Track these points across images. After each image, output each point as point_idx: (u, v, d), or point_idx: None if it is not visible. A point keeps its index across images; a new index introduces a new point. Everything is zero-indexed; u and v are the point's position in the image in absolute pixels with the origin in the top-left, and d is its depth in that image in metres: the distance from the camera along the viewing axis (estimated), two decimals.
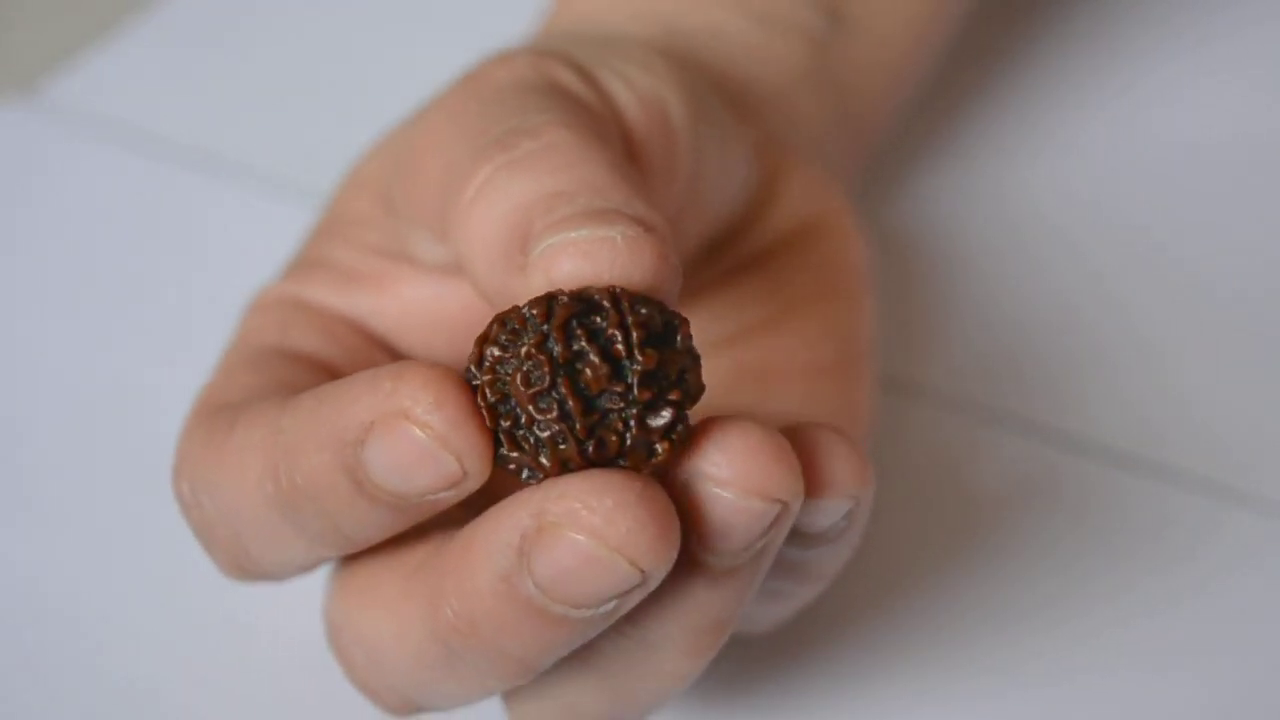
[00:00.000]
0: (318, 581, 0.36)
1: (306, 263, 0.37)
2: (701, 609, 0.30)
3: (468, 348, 0.36)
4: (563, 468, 0.28)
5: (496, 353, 0.29)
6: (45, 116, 0.51)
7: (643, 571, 0.28)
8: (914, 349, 0.44)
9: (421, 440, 0.28)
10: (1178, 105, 0.50)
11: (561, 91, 0.33)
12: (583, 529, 0.27)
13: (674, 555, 0.28)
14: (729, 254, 0.38)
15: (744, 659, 0.38)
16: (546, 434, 0.28)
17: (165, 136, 0.51)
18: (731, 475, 0.28)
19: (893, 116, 0.46)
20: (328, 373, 0.35)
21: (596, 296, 0.28)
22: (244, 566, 0.33)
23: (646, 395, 0.28)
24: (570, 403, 0.28)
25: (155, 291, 0.47)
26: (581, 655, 0.30)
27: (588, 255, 0.29)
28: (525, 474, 0.29)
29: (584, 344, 0.28)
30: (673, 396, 0.28)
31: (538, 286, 0.29)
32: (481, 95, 0.34)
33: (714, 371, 0.36)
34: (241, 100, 0.52)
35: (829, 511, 0.30)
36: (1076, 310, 0.45)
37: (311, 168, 0.48)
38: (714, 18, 0.41)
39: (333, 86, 0.52)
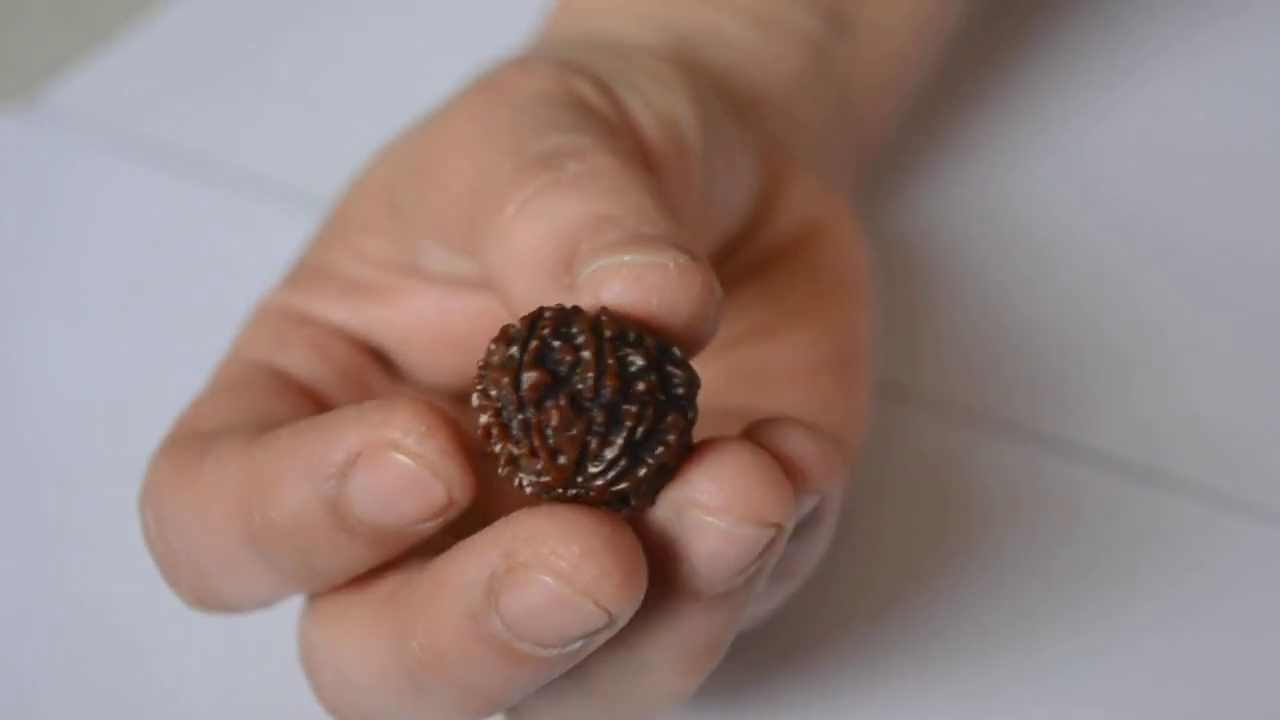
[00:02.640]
0: None
1: (310, 271, 0.37)
2: (694, 632, 0.30)
3: (472, 360, 0.36)
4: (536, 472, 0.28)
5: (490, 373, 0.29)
6: (45, 123, 0.51)
7: (609, 613, 0.28)
8: (914, 355, 0.44)
9: (411, 469, 0.29)
10: (1182, 108, 0.50)
11: (587, 109, 0.34)
12: (550, 571, 0.27)
13: (640, 597, 0.28)
14: (731, 260, 0.38)
15: (741, 663, 0.38)
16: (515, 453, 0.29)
17: (166, 143, 0.51)
18: (722, 503, 0.28)
19: (893, 117, 0.46)
20: (312, 401, 0.35)
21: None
22: (204, 599, 0.33)
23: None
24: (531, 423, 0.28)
25: (156, 298, 0.47)
26: (576, 674, 0.30)
27: (639, 280, 0.29)
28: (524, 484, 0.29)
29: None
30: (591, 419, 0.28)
31: (583, 303, 0.29)
32: (509, 104, 0.34)
33: (712, 374, 0.36)
34: (242, 107, 0.52)
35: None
36: (1078, 316, 0.45)
37: (313, 175, 0.48)
38: (714, 21, 0.41)
39: (335, 93, 0.52)
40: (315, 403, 0.35)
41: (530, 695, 0.31)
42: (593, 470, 0.28)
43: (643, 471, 0.28)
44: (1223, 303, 0.45)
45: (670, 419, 0.28)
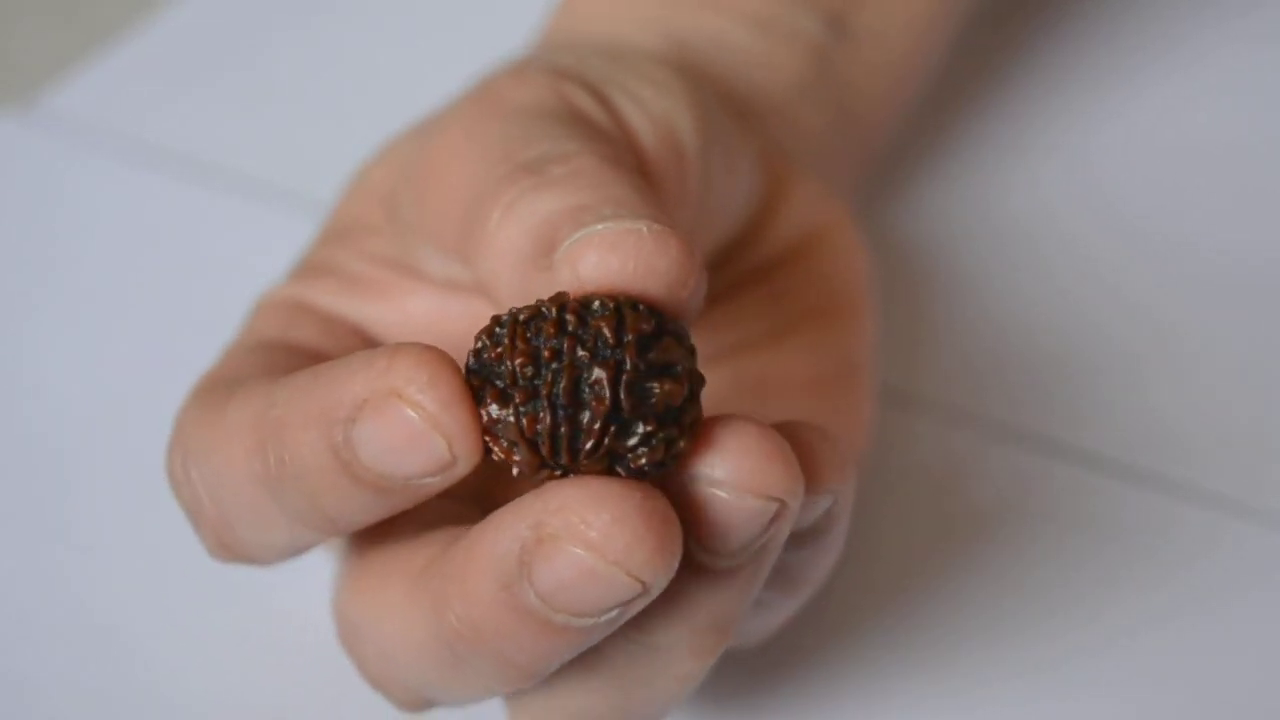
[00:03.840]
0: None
1: (312, 267, 0.37)
2: (703, 609, 0.30)
3: None
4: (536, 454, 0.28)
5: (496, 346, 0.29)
6: (44, 127, 0.51)
7: (643, 583, 0.28)
8: (916, 360, 0.44)
9: (413, 421, 0.28)
10: (1185, 110, 0.50)
11: (580, 117, 0.34)
12: (580, 542, 0.27)
13: (675, 564, 0.28)
14: (731, 267, 0.38)
15: (742, 667, 0.38)
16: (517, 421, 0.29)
17: (164, 147, 0.51)
18: (726, 474, 0.28)
19: (894, 121, 0.46)
20: None
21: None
22: (229, 546, 0.33)
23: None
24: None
25: (155, 301, 0.47)
26: (585, 658, 0.30)
27: (614, 247, 0.29)
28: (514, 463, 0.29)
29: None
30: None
31: (564, 281, 0.29)
32: (501, 115, 0.34)
33: (714, 383, 0.36)
34: (241, 111, 0.52)
35: (808, 508, 0.30)
36: (1081, 320, 0.45)
37: (312, 178, 0.48)
38: (716, 26, 0.41)
39: (334, 96, 0.52)
40: None
41: (540, 684, 0.31)
42: (544, 446, 0.28)
43: (598, 427, 0.28)
44: (1226, 306, 0.45)
45: (595, 373, 0.28)
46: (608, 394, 0.28)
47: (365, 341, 0.36)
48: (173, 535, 0.40)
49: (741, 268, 0.38)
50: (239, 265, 0.45)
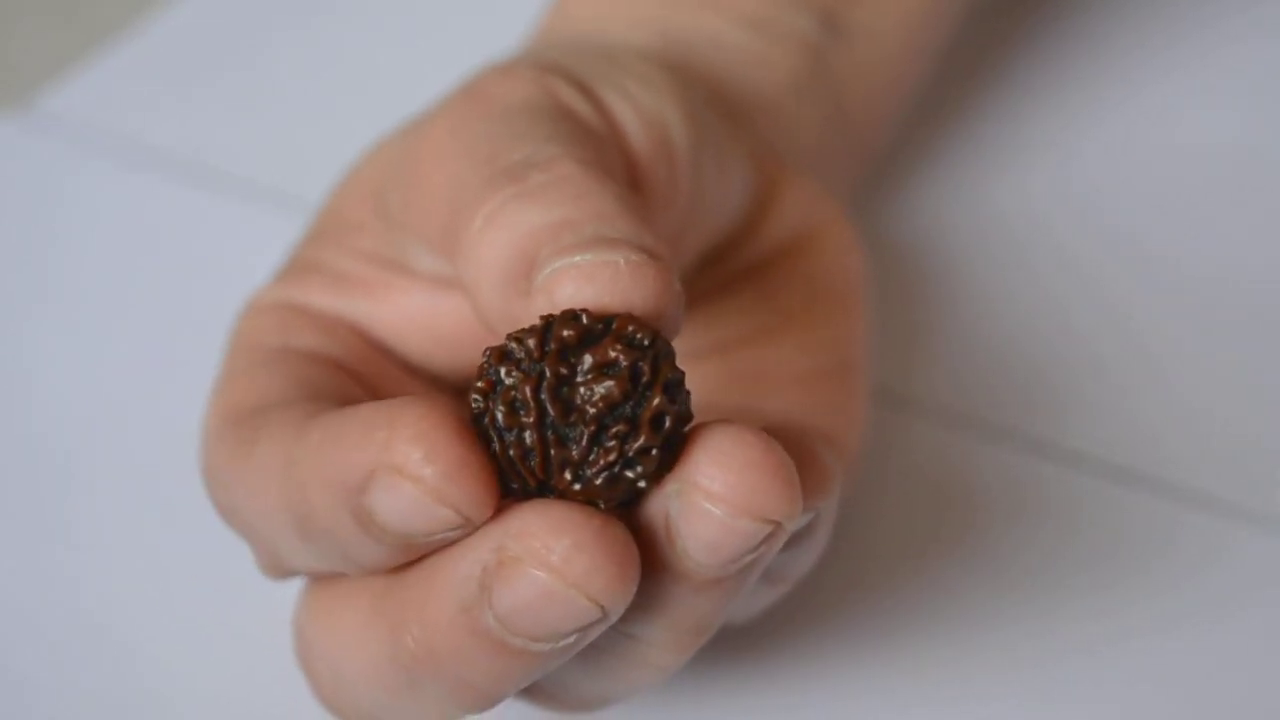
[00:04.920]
0: None
1: (300, 266, 0.37)
2: (685, 612, 0.30)
3: (463, 357, 0.36)
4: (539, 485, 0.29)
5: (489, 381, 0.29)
6: (41, 129, 0.51)
7: (601, 607, 0.28)
8: (911, 361, 0.44)
9: (416, 495, 0.28)
10: (1176, 113, 0.50)
11: (567, 114, 0.34)
12: (542, 565, 0.28)
13: (632, 591, 0.28)
14: (725, 264, 0.38)
15: (736, 667, 0.38)
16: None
17: (163, 148, 0.51)
18: (725, 491, 0.28)
19: (889, 120, 0.46)
20: (337, 368, 0.35)
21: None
22: (281, 569, 0.33)
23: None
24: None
25: (153, 303, 0.47)
26: None
27: (590, 279, 0.29)
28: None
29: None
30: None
31: (540, 308, 0.29)
32: (486, 112, 0.34)
33: (706, 377, 0.36)
34: (239, 112, 0.52)
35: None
36: (1074, 322, 0.45)
37: (310, 180, 0.47)
38: (711, 26, 0.41)
39: (331, 98, 0.52)
40: (346, 372, 0.35)
41: None
42: (511, 476, 0.29)
43: (535, 441, 0.28)
44: (1218, 308, 0.45)
45: (523, 391, 0.28)
46: (533, 406, 0.28)
47: (363, 339, 0.36)
48: (173, 535, 0.40)
49: (734, 266, 0.38)
50: (237, 267, 0.45)
